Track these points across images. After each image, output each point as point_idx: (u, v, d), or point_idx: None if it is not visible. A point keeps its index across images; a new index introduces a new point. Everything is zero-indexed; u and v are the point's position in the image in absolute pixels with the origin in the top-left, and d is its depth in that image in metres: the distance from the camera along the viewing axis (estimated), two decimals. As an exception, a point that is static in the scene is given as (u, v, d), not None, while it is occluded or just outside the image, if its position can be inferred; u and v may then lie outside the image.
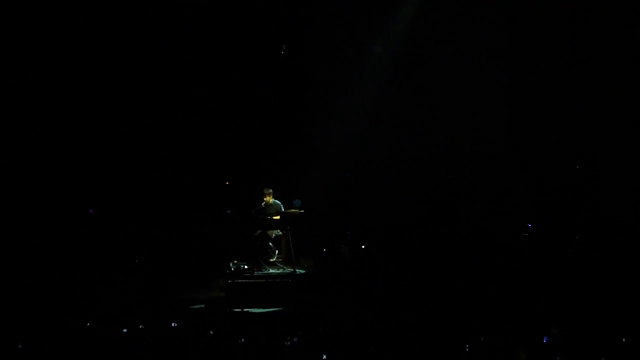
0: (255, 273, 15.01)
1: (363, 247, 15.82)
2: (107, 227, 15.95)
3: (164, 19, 17.24)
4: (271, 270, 15.29)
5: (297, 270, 15.01)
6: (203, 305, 13.63)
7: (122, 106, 17.22)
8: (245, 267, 15.19)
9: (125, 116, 17.21)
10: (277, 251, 15.86)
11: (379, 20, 17.92)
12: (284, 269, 15.29)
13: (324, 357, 9.07)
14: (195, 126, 17.63)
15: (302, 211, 15.37)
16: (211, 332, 10.14)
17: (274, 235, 15.71)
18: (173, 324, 10.54)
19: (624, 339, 9.28)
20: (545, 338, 9.35)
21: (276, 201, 15.79)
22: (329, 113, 18.10)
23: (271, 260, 15.78)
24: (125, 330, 10.11)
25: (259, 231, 15.54)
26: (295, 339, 9.72)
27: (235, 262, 15.34)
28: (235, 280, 14.52)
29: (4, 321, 11.08)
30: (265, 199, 15.67)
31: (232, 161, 17.46)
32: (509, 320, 11.05)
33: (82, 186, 16.61)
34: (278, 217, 15.41)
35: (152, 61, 17.32)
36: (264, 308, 13.28)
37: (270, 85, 17.87)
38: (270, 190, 15.75)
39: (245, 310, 12.83)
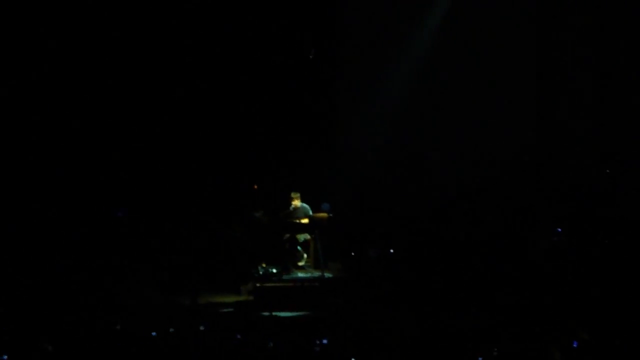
0: (284, 277, 15.02)
1: (392, 250, 15.77)
2: (135, 230, 16.02)
3: (197, 18, 17.36)
4: (299, 274, 15.30)
5: (325, 274, 15.01)
6: (232, 309, 13.66)
7: (151, 109, 17.32)
8: (274, 270, 15.21)
9: (154, 119, 17.32)
10: (305, 255, 15.87)
11: (408, 21, 17.86)
12: (312, 273, 15.30)
13: (352, 360, 9.07)
14: (223, 129, 17.68)
15: (331, 215, 15.38)
16: (239, 336, 10.15)
17: (302, 239, 15.73)
18: (201, 327, 10.56)
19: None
20: (575, 343, 9.29)
21: (304, 205, 15.81)
22: (356, 116, 18.06)
23: (299, 264, 15.79)
24: (154, 333, 10.15)
25: (287, 235, 15.56)
26: (323, 342, 9.72)
27: (264, 265, 15.36)
28: (264, 284, 14.53)
29: (33, 322, 11.18)
30: (293, 202, 15.71)
31: (260, 164, 17.48)
32: (538, 325, 10.99)
33: (112, 189, 16.71)
34: (306, 221, 15.44)
35: (180, 62, 17.42)
36: (292, 312, 13.29)
37: (297, 88, 17.88)
38: (298, 194, 15.79)
39: (273, 313, 12.84)
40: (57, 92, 16.85)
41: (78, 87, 16.98)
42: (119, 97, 17.19)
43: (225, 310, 13.63)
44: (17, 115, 16.57)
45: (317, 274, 15.11)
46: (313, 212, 15.65)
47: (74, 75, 16.94)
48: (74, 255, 15.17)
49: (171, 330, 10.41)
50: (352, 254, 16.01)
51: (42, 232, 15.60)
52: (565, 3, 17.17)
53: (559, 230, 15.17)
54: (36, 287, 13.69)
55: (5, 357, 9.00)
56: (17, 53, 16.59)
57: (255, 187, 16.49)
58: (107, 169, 16.88)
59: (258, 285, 14.48)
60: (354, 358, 9.09)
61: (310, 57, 17.77)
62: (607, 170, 16.90)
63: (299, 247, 15.80)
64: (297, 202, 15.73)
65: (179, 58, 17.39)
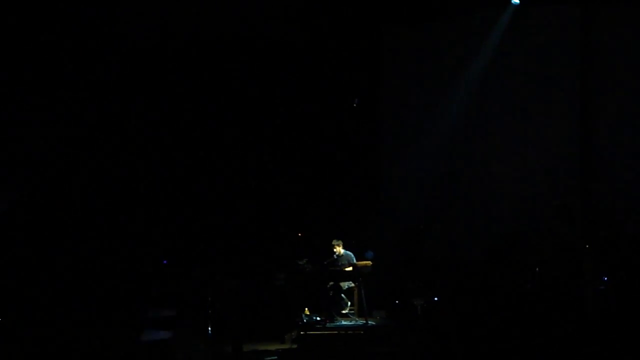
0: (328, 325, 15.02)
1: (436, 299, 15.69)
2: (180, 278, 16.13)
3: (247, 69, 17.70)
4: (343, 322, 15.29)
5: (369, 322, 14.99)
6: (275, 357, 13.66)
7: (191, 159, 17.61)
8: (318, 318, 15.21)
9: (195, 169, 17.58)
10: (349, 303, 15.87)
11: (450, 71, 17.90)
12: (356, 321, 15.29)
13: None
14: (267, 178, 17.84)
15: (374, 262, 15.39)
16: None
17: (346, 286, 15.73)
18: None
19: None
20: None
21: (348, 252, 15.86)
22: (399, 163, 18.08)
23: (343, 311, 15.79)
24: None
25: (331, 283, 15.57)
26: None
27: (307, 313, 15.37)
28: (308, 332, 14.54)
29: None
30: (335, 249, 15.75)
31: (304, 212, 17.56)
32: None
33: (157, 237, 16.90)
34: (350, 269, 15.46)
35: (223, 112, 17.73)
36: (336, 360, 13.27)
37: (341, 136, 18.01)
38: (340, 242, 15.84)
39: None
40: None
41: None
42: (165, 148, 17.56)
43: (269, 358, 13.62)
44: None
45: (361, 321, 15.11)
46: (357, 260, 15.67)
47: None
48: (119, 303, 15.33)
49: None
50: (396, 302, 15.94)
51: (88, 281, 15.80)
52: (609, 51, 17.05)
53: (605, 279, 14.97)
54: (79, 334, 13.86)
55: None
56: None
57: (300, 234, 16.57)
58: (153, 218, 17.09)
59: (302, 333, 14.49)
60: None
61: (354, 105, 17.90)
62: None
63: (342, 295, 15.80)
64: (339, 249, 15.77)
65: (224, 107, 17.69)
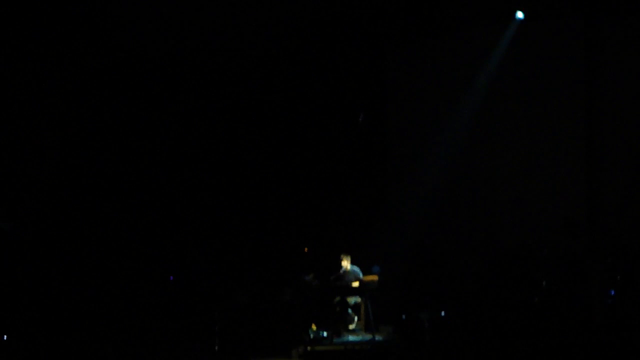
0: (335, 340, 14.99)
1: (443, 313, 15.68)
2: (186, 293, 16.17)
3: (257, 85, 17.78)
4: (350, 337, 15.26)
5: (376, 337, 14.96)
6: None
7: (203, 178, 17.65)
8: (325, 334, 15.18)
9: (203, 185, 17.63)
10: (356, 318, 15.85)
11: (455, 85, 17.93)
12: (363, 336, 15.26)
13: None
14: (274, 193, 17.87)
15: (381, 277, 15.37)
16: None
17: (353, 302, 15.72)
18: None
19: None
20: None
21: (355, 267, 15.85)
22: (406, 178, 18.11)
23: (350, 327, 15.77)
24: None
25: (338, 298, 15.56)
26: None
27: (314, 329, 15.35)
28: (315, 348, 14.51)
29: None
30: (342, 263, 15.76)
31: (311, 228, 17.58)
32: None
33: (162, 254, 16.92)
34: (357, 284, 15.45)
35: (234, 129, 17.80)
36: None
37: (348, 152, 18.04)
38: (348, 256, 15.84)
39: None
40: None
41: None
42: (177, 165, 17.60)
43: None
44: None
45: (368, 337, 15.07)
46: (363, 275, 15.67)
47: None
48: (126, 319, 15.36)
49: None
50: (403, 316, 15.93)
51: (94, 296, 15.85)
52: (613, 64, 17.03)
53: (612, 293, 14.95)
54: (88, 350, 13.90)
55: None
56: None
57: (306, 249, 16.57)
58: (159, 234, 17.13)
59: (309, 348, 14.45)
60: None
61: (360, 120, 17.94)
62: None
63: (349, 310, 15.79)
64: (347, 264, 15.76)
65: (231, 122, 17.77)
